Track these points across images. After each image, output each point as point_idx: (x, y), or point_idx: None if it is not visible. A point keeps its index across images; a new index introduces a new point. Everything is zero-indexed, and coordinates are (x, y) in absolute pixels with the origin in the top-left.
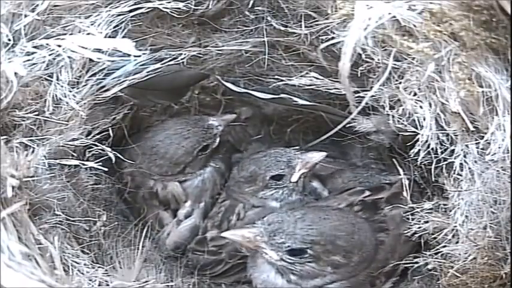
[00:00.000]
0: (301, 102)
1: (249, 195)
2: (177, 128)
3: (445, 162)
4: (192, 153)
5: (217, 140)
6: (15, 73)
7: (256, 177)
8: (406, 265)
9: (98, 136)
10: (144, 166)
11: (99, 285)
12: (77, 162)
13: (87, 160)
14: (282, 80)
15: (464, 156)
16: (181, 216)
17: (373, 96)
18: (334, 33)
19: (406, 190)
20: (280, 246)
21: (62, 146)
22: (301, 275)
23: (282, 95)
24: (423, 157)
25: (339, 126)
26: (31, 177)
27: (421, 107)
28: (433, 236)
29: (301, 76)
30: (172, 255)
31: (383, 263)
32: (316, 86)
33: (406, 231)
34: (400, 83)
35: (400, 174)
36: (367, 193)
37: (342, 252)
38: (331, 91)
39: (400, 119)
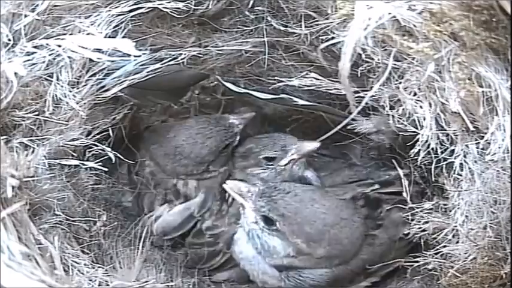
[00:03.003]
0: (301, 102)
1: (237, 169)
2: (200, 127)
3: (445, 162)
4: (215, 152)
5: (237, 138)
6: (15, 73)
7: (250, 154)
8: (404, 265)
9: (98, 136)
10: (169, 166)
11: (99, 285)
12: (77, 162)
13: (87, 160)
14: (281, 81)
15: (464, 156)
16: (176, 202)
17: (373, 96)
18: (334, 33)
19: (406, 190)
20: (259, 209)
21: (62, 146)
22: (263, 247)
23: (282, 95)
24: (423, 157)
25: (339, 126)
26: (31, 177)
27: (421, 107)
28: (433, 236)
29: (302, 77)
30: (173, 254)
31: (369, 263)
32: (316, 86)
33: (403, 236)
34: (400, 83)
35: (395, 168)
36: (377, 186)
37: (305, 238)
38: (331, 91)
39: (400, 119)
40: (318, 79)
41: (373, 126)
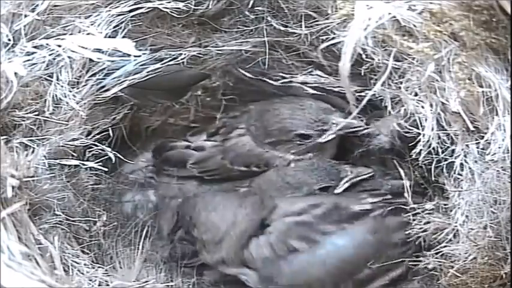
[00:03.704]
0: (311, 91)
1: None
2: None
3: (446, 162)
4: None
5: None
6: (15, 73)
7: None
8: (409, 265)
9: (98, 136)
10: None
11: (99, 285)
12: (77, 162)
13: (87, 160)
14: (285, 77)
15: (465, 156)
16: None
17: (375, 96)
18: (334, 33)
19: (408, 192)
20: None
21: (62, 146)
22: None
23: (294, 84)
24: (424, 157)
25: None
26: (31, 177)
27: (422, 107)
28: (433, 236)
29: (307, 74)
30: (173, 255)
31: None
32: (321, 83)
33: (398, 241)
34: (401, 83)
35: (401, 178)
36: (389, 196)
37: None
38: (335, 89)
39: (402, 119)
40: (323, 77)
41: (388, 141)
